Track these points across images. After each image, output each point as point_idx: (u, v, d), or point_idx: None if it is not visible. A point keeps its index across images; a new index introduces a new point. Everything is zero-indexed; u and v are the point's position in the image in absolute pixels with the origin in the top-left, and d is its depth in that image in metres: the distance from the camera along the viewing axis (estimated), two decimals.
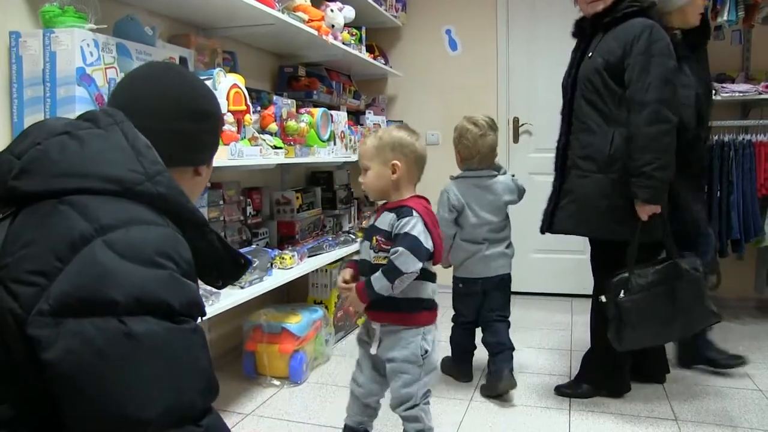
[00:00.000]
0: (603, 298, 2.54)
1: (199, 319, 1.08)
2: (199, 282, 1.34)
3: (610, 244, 2.64)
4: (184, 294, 1.02)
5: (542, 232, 2.80)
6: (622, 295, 2.49)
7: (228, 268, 1.31)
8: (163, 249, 1.02)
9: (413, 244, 1.97)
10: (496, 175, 3.00)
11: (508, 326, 2.99)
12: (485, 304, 2.98)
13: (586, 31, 2.73)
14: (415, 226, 1.99)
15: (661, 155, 2.42)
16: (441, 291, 2.15)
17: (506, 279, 3.02)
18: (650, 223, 2.52)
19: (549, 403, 2.74)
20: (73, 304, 0.93)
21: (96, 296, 0.94)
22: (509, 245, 3.03)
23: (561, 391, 2.86)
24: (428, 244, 2.00)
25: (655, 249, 2.59)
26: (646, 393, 2.81)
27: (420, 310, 2.08)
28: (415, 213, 2.01)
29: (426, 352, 2.05)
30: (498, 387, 2.79)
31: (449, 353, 3.11)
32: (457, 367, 3.08)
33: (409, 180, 2.12)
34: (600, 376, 2.80)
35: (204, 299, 2.29)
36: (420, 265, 1.98)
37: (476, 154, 2.96)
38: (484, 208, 2.95)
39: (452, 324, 3.08)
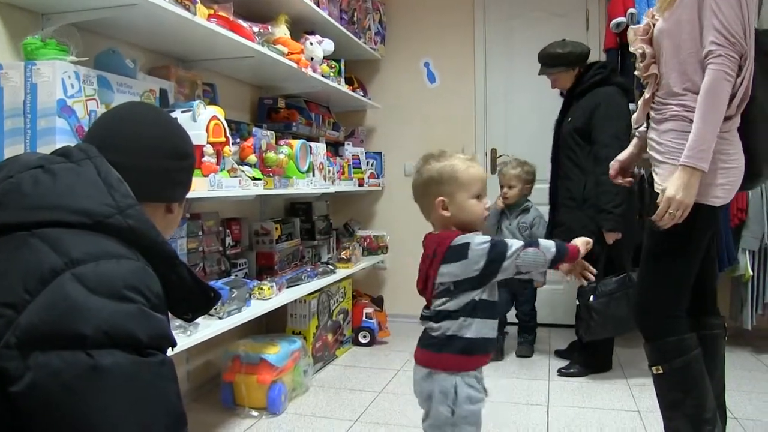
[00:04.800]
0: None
1: (170, 350, 1.09)
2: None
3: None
4: (152, 327, 1.02)
5: None
6: (591, 299, 3.26)
7: (198, 301, 1.32)
8: (133, 283, 1.02)
9: None
10: None
11: None
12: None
13: (566, 97, 3.62)
14: None
15: (616, 196, 3.23)
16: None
17: None
18: (615, 245, 3.33)
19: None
20: (41, 337, 0.94)
21: (64, 330, 0.94)
22: None
23: (562, 372, 3.58)
24: None
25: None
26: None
27: None
28: None
29: None
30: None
31: None
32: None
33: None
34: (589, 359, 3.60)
35: (182, 330, 2.30)
36: None
37: None
38: None
39: None
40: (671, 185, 1.97)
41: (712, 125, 1.91)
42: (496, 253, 1.78)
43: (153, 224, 1.15)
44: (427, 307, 1.89)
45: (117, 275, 1.01)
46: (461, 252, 1.79)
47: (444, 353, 1.81)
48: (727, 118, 1.96)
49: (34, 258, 0.99)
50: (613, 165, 2.41)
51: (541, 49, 3.65)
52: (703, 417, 2.08)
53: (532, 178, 3.93)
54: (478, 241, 1.79)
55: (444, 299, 1.82)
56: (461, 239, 1.80)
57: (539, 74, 3.68)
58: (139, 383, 0.98)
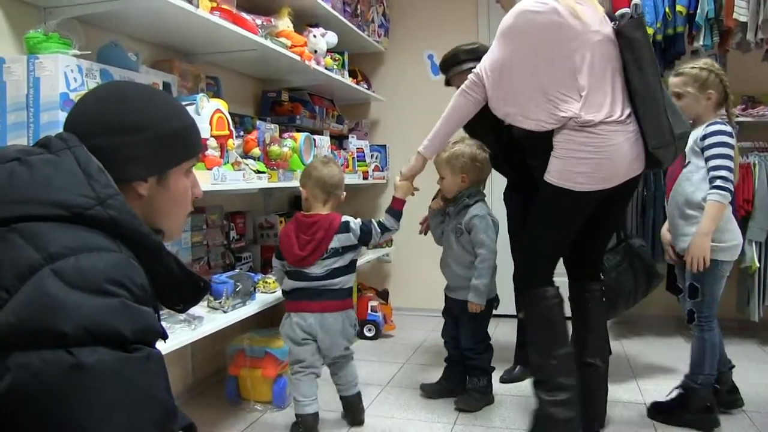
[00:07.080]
0: None
1: (162, 342, 1.06)
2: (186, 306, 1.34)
3: None
4: (136, 321, 0.98)
5: None
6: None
7: (187, 292, 1.29)
8: (115, 276, 0.98)
9: None
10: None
11: None
12: None
13: None
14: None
15: None
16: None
17: None
18: None
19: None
20: (20, 336, 0.90)
21: (43, 328, 0.90)
22: None
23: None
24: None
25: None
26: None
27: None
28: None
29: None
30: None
31: None
32: None
33: (314, 200, 2.74)
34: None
35: (187, 324, 2.29)
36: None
37: (485, 178, 3.11)
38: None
39: None
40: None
41: (445, 124, 2.60)
42: None
43: (135, 214, 1.10)
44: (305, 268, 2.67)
45: (98, 269, 0.97)
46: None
47: (349, 299, 2.76)
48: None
49: (11, 254, 0.96)
50: None
51: None
52: (552, 353, 2.44)
53: (475, 165, 2.98)
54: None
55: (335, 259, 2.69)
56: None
57: None
58: (124, 380, 0.95)
